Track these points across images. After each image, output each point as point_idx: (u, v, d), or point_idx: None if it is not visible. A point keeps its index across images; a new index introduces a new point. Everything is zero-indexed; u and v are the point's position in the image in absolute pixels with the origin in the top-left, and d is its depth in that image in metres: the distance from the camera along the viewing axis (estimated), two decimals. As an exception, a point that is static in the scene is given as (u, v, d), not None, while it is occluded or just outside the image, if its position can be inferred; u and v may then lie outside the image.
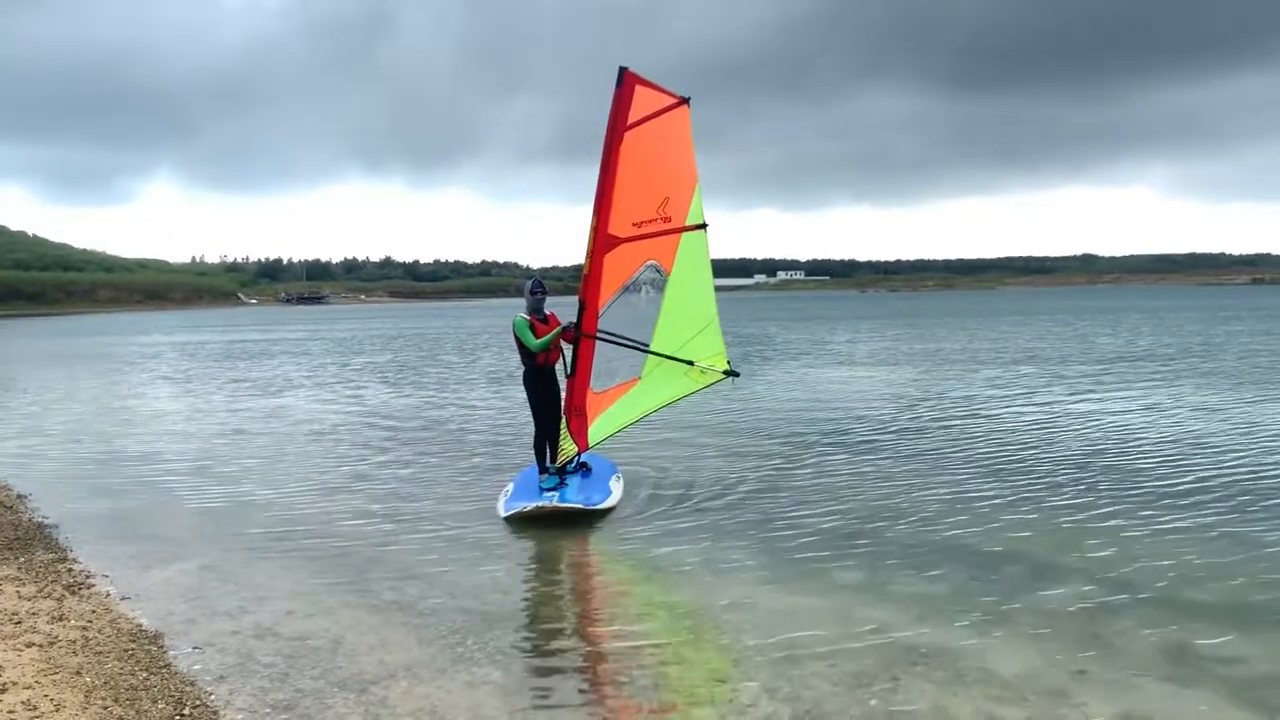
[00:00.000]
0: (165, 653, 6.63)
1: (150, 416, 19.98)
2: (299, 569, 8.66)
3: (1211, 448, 13.39)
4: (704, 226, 10.20)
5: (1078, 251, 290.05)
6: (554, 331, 10.33)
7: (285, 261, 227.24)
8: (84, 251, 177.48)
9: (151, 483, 12.71)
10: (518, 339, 10.51)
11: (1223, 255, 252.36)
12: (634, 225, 9.96)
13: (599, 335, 10.13)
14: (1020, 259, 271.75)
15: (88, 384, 27.80)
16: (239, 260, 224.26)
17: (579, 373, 10.23)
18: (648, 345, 10.27)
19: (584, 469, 10.82)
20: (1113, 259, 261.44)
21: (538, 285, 10.71)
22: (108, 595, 7.89)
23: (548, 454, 10.64)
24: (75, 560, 8.91)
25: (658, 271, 10.23)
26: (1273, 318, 51.32)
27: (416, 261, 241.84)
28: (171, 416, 19.89)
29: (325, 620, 7.29)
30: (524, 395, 10.81)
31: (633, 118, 9.73)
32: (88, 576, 8.37)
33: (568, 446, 10.41)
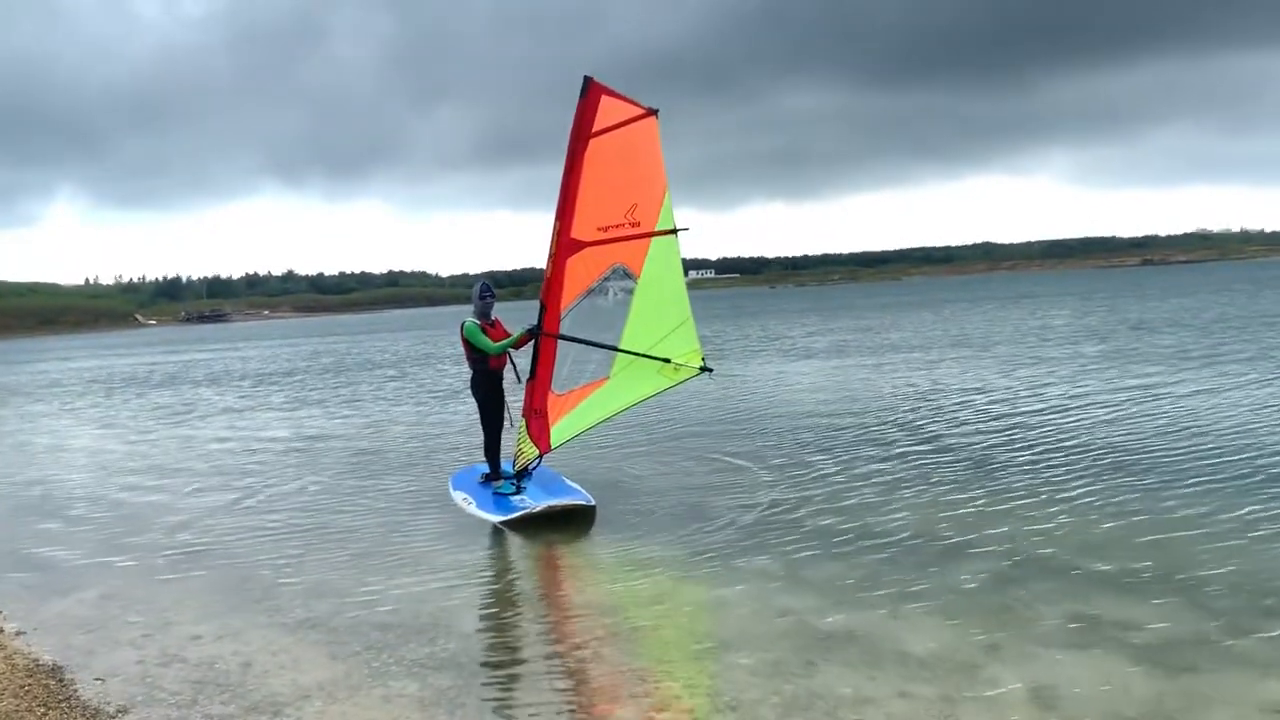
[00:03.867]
0: (65, 686, 6.38)
1: (45, 445, 19.22)
2: (205, 592, 8.40)
3: (1111, 421, 13.86)
4: (675, 231, 10.20)
5: (978, 240, 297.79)
6: (516, 334, 10.32)
7: (185, 279, 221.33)
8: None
9: (47, 511, 12.21)
10: (469, 343, 10.47)
11: (1114, 239, 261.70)
12: (599, 230, 9.96)
13: (562, 336, 10.12)
14: (922, 249, 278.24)
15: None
16: (135, 280, 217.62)
17: (539, 375, 10.22)
18: (616, 346, 10.25)
19: (526, 474, 10.80)
20: (1010, 246, 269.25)
21: (487, 289, 10.71)
22: (1, 631, 7.55)
23: (500, 458, 10.78)
24: (-35, 597, 8.51)
25: (626, 275, 10.24)
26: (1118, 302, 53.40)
27: (321, 274, 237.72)
28: (66, 444, 19.16)
29: (234, 643, 7.08)
30: (471, 402, 10.91)
31: (598, 126, 9.72)
32: (-21, 613, 8.00)
33: (527, 449, 10.42)
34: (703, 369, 10.35)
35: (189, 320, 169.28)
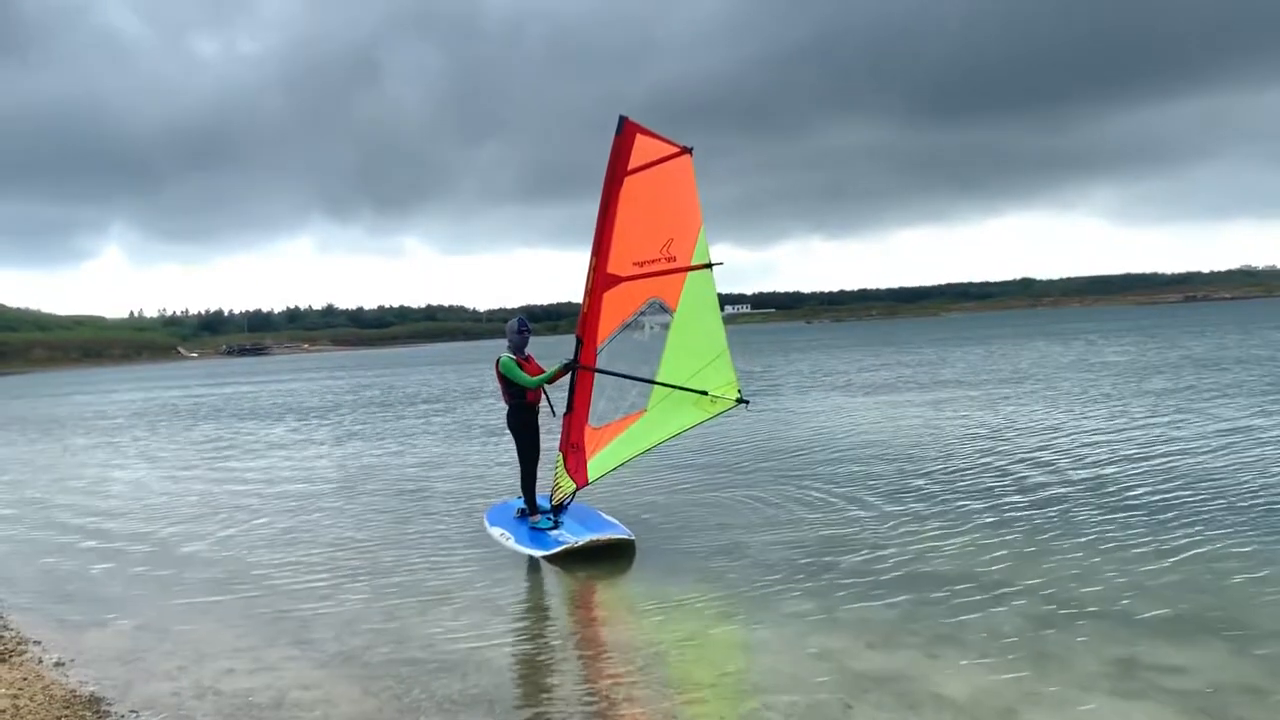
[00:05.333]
0: (102, 718, 6.42)
1: (88, 477, 19.47)
2: (240, 625, 8.45)
3: (1158, 464, 13.62)
4: (710, 266, 10.28)
5: (1017, 276, 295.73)
6: (555, 368, 10.43)
7: (226, 313, 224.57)
8: (17, 310, 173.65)
9: (87, 544, 12.35)
10: (506, 378, 10.57)
11: (1156, 275, 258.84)
12: (635, 265, 10.12)
13: (600, 370, 10.24)
14: (961, 285, 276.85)
15: (15, 445, 27.06)
16: (179, 314, 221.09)
17: (576, 409, 10.32)
18: (654, 378, 10.34)
19: (562, 509, 10.82)
20: (1050, 282, 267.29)
21: (524, 324, 10.86)
22: (40, 661, 7.63)
23: (537, 492, 10.88)
24: (5, 627, 8.62)
25: (663, 309, 10.36)
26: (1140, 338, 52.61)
27: (360, 308, 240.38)
28: (108, 476, 19.40)
29: (267, 676, 7.11)
30: (507, 437, 11.02)
31: (633, 164, 9.90)
32: (18, 643, 8.10)
33: (565, 483, 10.50)
34: (739, 401, 10.36)
35: (230, 353, 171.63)
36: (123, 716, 6.46)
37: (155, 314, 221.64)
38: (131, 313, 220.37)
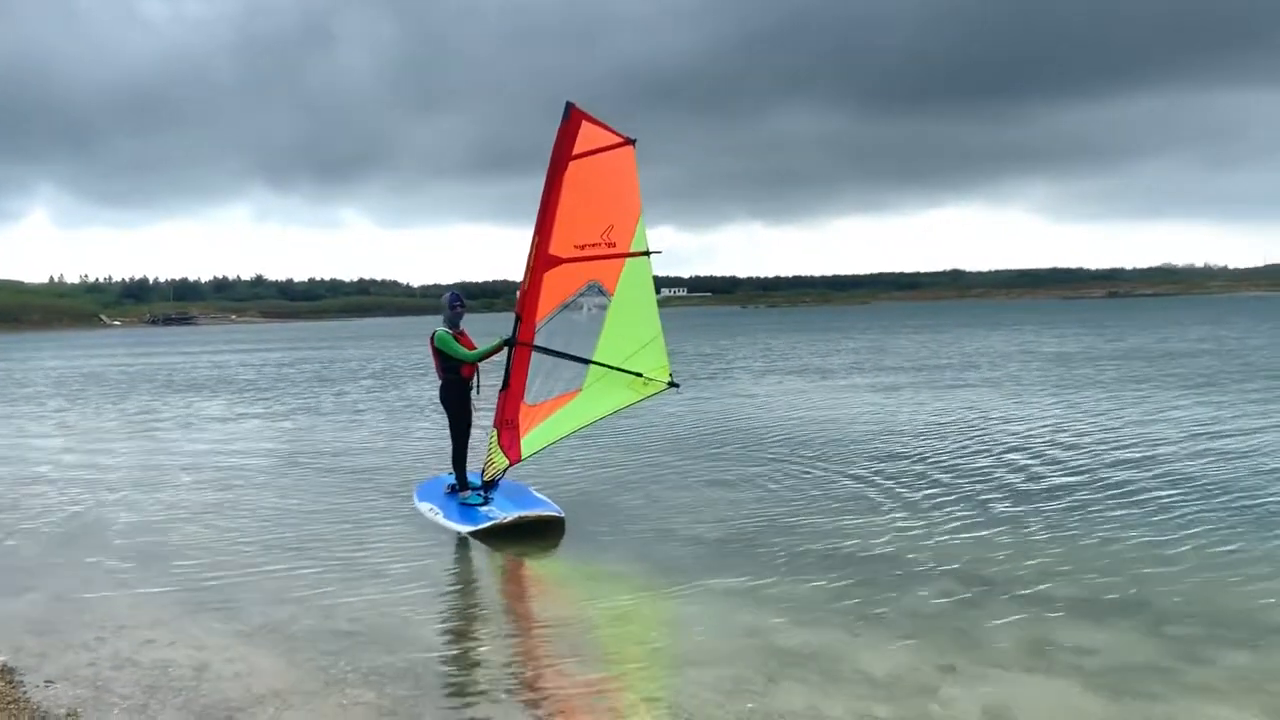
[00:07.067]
0: (14, 688, 6.27)
1: (2, 446, 18.91)
2: (162, 597, 8.30)
3: (1071, 448, 14.00)
4: (649, 254, 10.53)
5: (947, 268, 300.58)
6: (493, 343, 10.45)
7: (151, 281, 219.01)
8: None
9: (2, 511, 12.01)
10: (442, 352, 10.52)
11: (1081, 270, 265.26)
12: (576, 247, 10.31)
13: (537, 347, 10.36)
14: (893, 275, 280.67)
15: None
16: (101, 280, 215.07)
17: (512, 385, 10.42)
18: (590, 359, 10.51)
19: (493, 486, 10.78)
20: (979, 274, 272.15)
21: (458, 299, 10.83)
22: (-50, 631, 7.42)
23: (467, 469, 10.82)
24: (-87, 596, 8.36)
25: (601, 292, 10.55)
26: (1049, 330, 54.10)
27: (290, 280, 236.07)
28: (27, 445, 18.87)
29: (188, 648, 6.99)
30: (441, 413, 10.93)
31: (578, 150, 10.07)
32: (-73, 612, 7.86)
33: (498, 459, 10.52)
34: (670, 384, 10.63)
35: (155, 323, 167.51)
36: (36, 687, 6.31)
37: (78, 279, 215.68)
38: (52, 278, 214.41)
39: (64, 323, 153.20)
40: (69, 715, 5.86)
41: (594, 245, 10.35)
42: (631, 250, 10.48)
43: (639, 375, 10.53)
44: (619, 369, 10.52)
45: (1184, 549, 8.79)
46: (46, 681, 6.41)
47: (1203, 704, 5.68)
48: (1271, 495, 10.80)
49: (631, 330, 10.57)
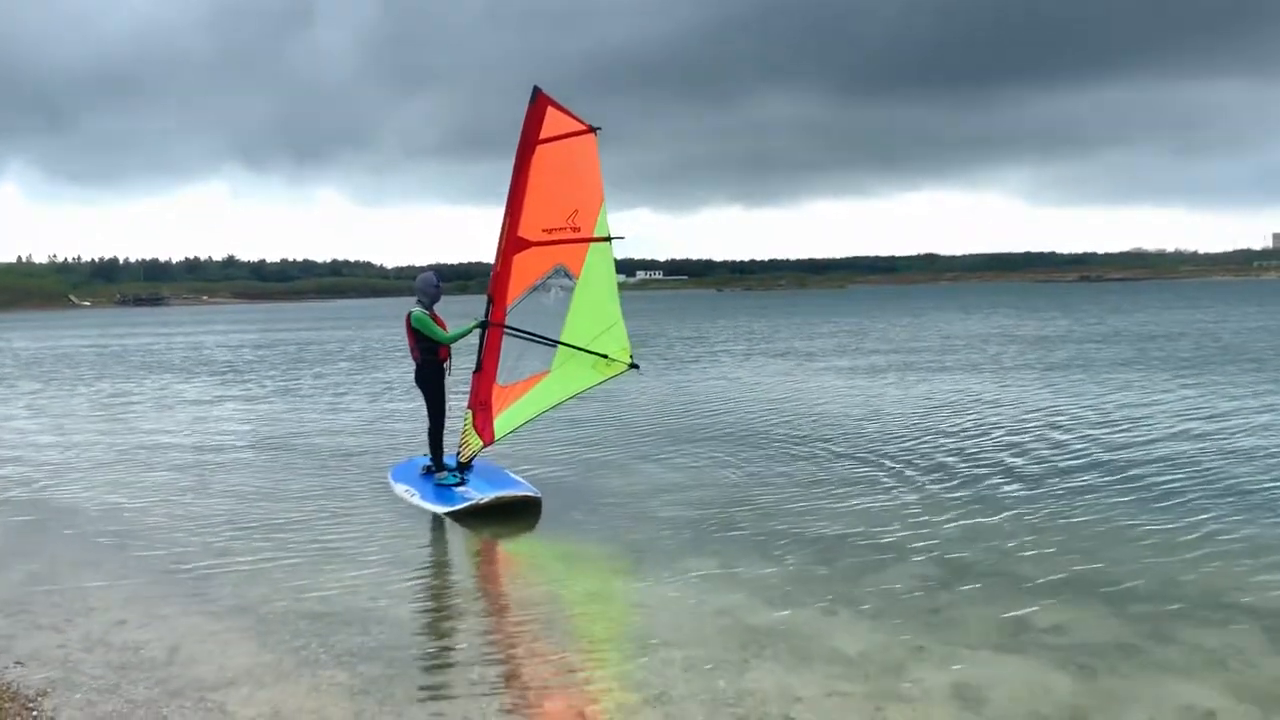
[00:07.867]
0: (-18, 670, 6.22)
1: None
2: (134, 578, 8.25)
3: (1044, 433, 14.13)
4: (610, 239, 10.67)
5: (922, 251, 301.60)
6: (469, 324, 10.50)
7: (121, 261, 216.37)
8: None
9: (-31, 493, 11.88)
10: (419, 332, 10.51)
11: (1054, 254, 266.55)
12: (544, 231, 10.45)
13: (511, 328, 10.47)
14: (868, 258, 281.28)
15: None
16: (70, 260, 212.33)
17: (485, 367, 10.51)
18: (558, 340, 10.64)
19: (468, 467, 10.79)
20: (953, 258, 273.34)
21: (438, 280, 10.84)
22: (-83, 612, 7.35)
23: (443, 450, 10.83)
24: (-120, 577, 8.26)
25: (567, 275, 10.68)
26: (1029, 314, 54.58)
27: (263, 261, 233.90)
28: (-7, 424, 18.67)
29: (160, 628, 6.96)
30: (417, 394, 10.95)
31: (544, 134, 10.19)
32: (-106, 593, 7.77)
33: (473, 441, 10.58)
34: (631, 365, 10.84)
35: (125, 303, 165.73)
36: (6, 668, 6.27)
37: (45, 259, 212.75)
38: (19, 257, 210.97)
39: (32, 303, 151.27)
40: (39, 695, 5.83)
41: (560, 229, 10.49)
42: (595, 235, 10.63)
43: (604, 356, 10.70)
44: (586, 350, 10.66)
45: (1151, 529, 8.91)
46: (16, 662, 6.37)
47: (1169, 681, 5.78)
48: (1241, 475, 10.97)
49: (595, 313, 10.73)
